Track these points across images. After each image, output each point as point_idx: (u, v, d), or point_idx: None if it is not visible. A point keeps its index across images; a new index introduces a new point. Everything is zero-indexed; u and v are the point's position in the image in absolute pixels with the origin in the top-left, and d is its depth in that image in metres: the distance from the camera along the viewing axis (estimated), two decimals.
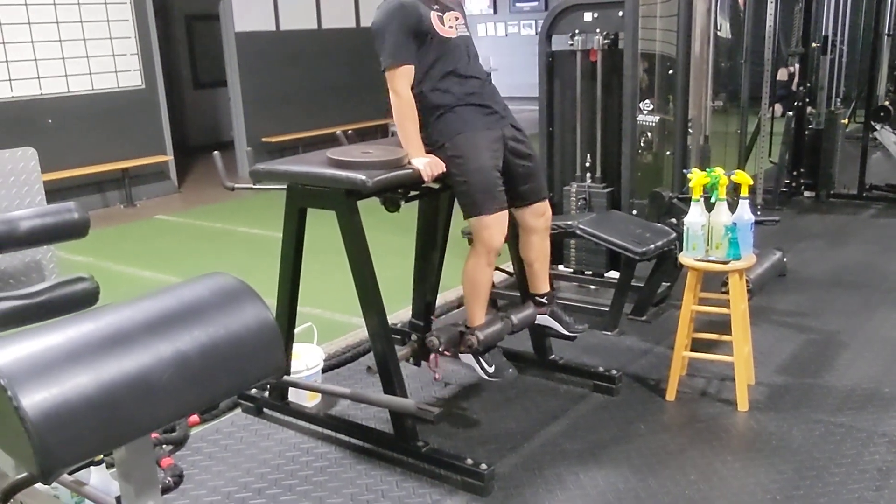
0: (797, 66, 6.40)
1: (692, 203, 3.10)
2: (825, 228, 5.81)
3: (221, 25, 9.20)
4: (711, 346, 3.40)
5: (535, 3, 15.17)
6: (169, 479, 2.75)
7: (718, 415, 3.11)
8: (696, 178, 3.10)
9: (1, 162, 2.40)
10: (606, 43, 4.17)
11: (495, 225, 2.87)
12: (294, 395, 3.25)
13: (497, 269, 4.22)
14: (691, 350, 3.30)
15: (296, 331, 3.22)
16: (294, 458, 2.93)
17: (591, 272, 4.39)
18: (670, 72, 4.35)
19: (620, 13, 4.08)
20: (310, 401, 3.29)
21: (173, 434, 3.03)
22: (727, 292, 3.14)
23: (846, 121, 6.84)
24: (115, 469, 1.73)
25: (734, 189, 3.15)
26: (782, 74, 6.88)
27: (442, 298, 3.99)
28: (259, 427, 3.18)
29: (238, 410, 3.30)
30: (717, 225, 3.06)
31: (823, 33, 6.43)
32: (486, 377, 3.01)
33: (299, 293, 3.12)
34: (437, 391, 3.39)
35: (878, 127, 6.81)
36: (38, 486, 2.04)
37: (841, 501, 2.52)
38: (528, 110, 5.63)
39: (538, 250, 3.15)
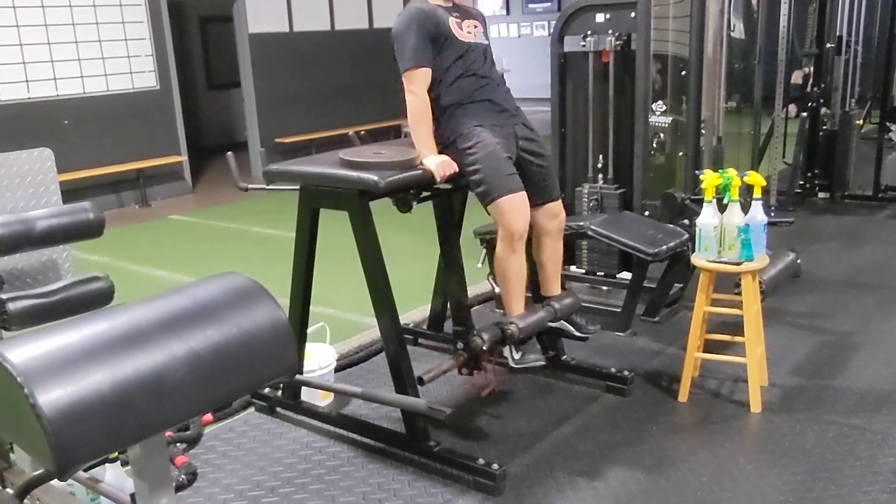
0: (811, 67, 6.36)
1: (705, 204, 3.10)
2: (839, 230, 5.77)
3: (235, 27, 9.25)
4: (724, 347, 3.39)
5: (548, 4, 15.15)
6: (183, 476, 2.76)
7: (731, 416, 3.10)
8: (709, 179, 3.09)
9: (18, 162, 2.42)
10: (619, 44, 4.17)
11: (513, 208, 2.85)
12: (307, 395, 3.26)
13: None
14: (704, 351, 3.29)
15: (308, 330, 3.24)
16: (307, 456, 2.95)
17: (603, 273, 4.38)
18: (683, 73, 4.33)
19: (633, 14, 4.07)
20: (322, 400, 3.31)
21: (187, 432, 3.05)
22: (740, 293, 3.13)
23: (861, 121, 6.79)
24: (129, 466, 1.74)
25: (747, 190, 3.14)
26: (797, 77, 6.85)
27: None
28: (272, 426, 3.19)
29: (251, 409, 3.32)
30: (729, 226, 3.05)
31: (838, 33, 6.39)
32: (513, 365, 2.99)
33: (312, 293, 3.14)
34: (448, 391, 3.39)
35: (893, 127, 6.76)
36: (55, 482, 2.06)
37: None
38: (541, 111, 5.63)
39: (551, 252, 3.15)
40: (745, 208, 3.08)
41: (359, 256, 2.87)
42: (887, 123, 6.60)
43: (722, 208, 3.09)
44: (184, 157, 8.55)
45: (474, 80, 2.95)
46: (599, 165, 4.38)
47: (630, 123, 4.21)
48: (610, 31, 4.18)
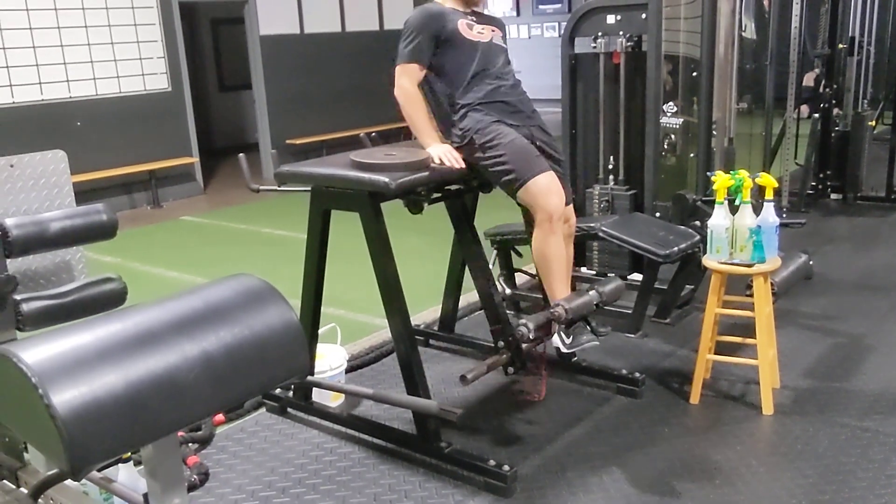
0: (822, 68, 6.33)
1: (716, 205, 3.09)
2: (852, 231, 5.74)
3: (246, 29, 9.29)
4: (736, 349, 3.38)
5: (558, 6, 15.14)
6: (195, 477, 2.78)
7: (743, 418, 3.09)
8: (720, 180, 3.09)
9: (32, 164, 2.44)
10: (629, 45, 4.16)
11: (547, 187, 2.80)
12: (318, 395, 3.27)
13: (519, 270, 4.24)
14: (715, 353, 3.28)
15: (320, 331, 3.24)
16: (318, 457, 2.96)
17: (614, 274, 4.36)
18: (694, 74, 4.32)
19: (644, 15, 4.06)
20: (333, 401, 3.32)
21: (199, 433, 3.06)
22: (752, 295, 3.12)
23: (873, 122, 6.74)
24: (142, 466, 1.75)
25: (759, 191, 3.13)
26: (808, 80, 6.82)
27: (465, 300, 4.00)
28: (283, 426, 3.20)
29: (263, 410, 3.33)
30: (741, 227, 3.04)
31: (850, 34, 6.35)
32: (565, 350, 2.91)
33: (323, 294, 3.15)
34: (460, 392, 3.39)
35: None
36: (69, 482, 2.07)
37: None
38: (551, 112, 5.62)
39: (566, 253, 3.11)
40: (757, 210, 3.07)
41: (370, 257, 2.88)
42: None
43: (733, 210, 3.08)
44: (195, 159, 8.59)
45: (489, 81, 2.96)
46: (610, 167, 4.37)
47: (641, 125, 4.20)
48: (620, 33, 4.18)
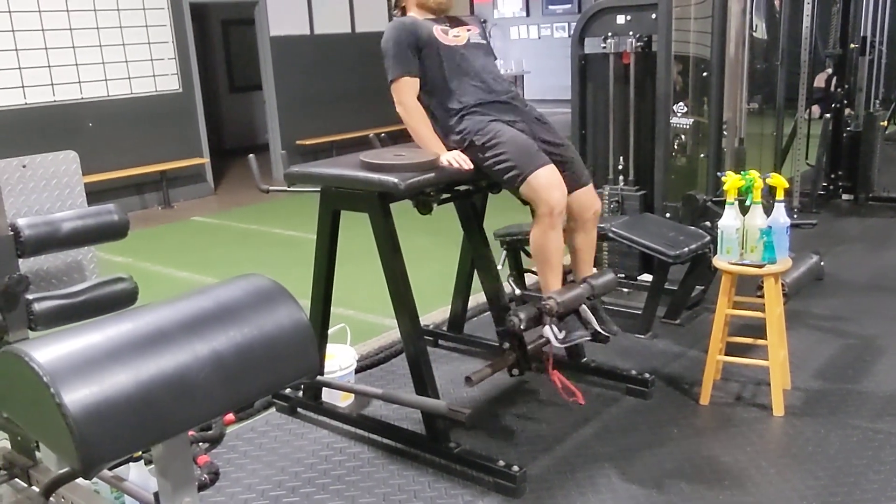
0: (832, 69, 6.30)
1: (727, 206, 3.08)
2: (864, 232, 5.71)
3: (257, 30, 9.31)
4: (746, 350, 3.36)
5: (568, 6, 15.11)
6: (205, 476, 2.79)
7: (753, 420, 3.08)
8: (731, 180, 3.08)
9: (44, 165, 2.46)
10: (639, 45, 4.15)
11: (547, 180, 2.78)
12: (327, 395, 3.28)
13: (528, 270, 4.23)
14: (726, 354, 3.27)
15: (329, 332, 3.25)
16: (327, 457, 2.96)
17: (624, 275, 4.36)
18: (704, 74, 4.31)
19: (654, 15, 4.06)
20: (343, 401, 3.32)
21: (210, 432, 3.07)
22: (762, 296, 3.11)
23: (885, 122, 6.71)
24: (153, 465, 1.76)
25: (770, 192, 3.12)
26: (819, 81, 6.79)
27: (474, 301, 4.00)
28: (293, 426, 3.21)
29: (272, 410, 3.34)
30: (751, 228, 3.03)
31: (862, 34, 6.32)
32: (557, 344, 2.91)
33: (333, 294, 3.15)
34: (469, 392, 3.39)
35: None
36: (80, 480, 2.08)
37: None
38: (561, 113, 5.62)
39: (585, 242, 3.09)
40: (768, 210, 3.06)
41: (379, 258, 2.88)
42: None
43: (744, 210, 3.07)
44: (206, 159, 8.63)
45: (475, 84, 2.97)
46: (620, 167, 4.36)
47: (651, 125, 4.20)
48: (630, 33, 4.17)
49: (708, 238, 3.74)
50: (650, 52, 4.15)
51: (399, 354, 3.74)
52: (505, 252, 3.85)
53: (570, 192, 2.98)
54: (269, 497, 2.72)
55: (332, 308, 3.17)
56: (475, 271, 3.51)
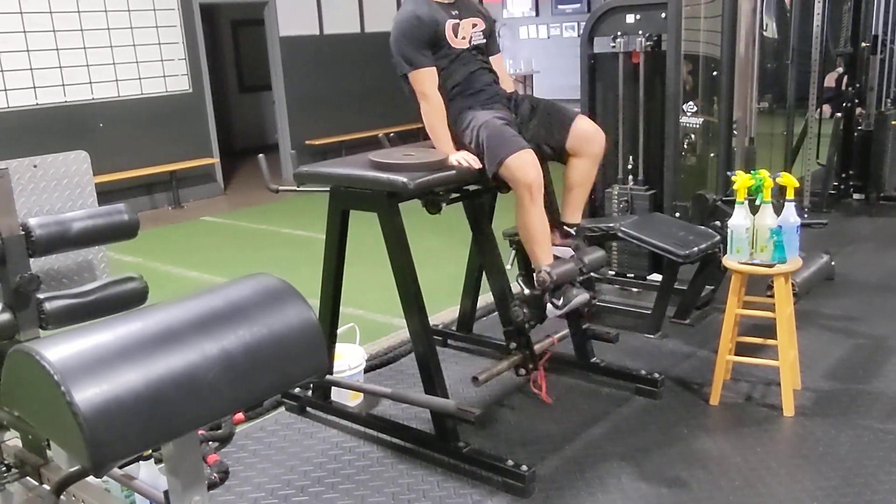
0: (844, 67, 6.26)
1: (736, 205, 3.07)
2: (875, 231, 5.68)
3: (266, 30, 9.34)
4: (756, 350, 3.35)
5: (577, 6, 15.06)
6: (215, 475, 2.79)
7: (763, 420, 3.07)
8: (741, 180, 3.07)
9: (55, 165, 2.47)
10: (649, 45, 4.14)
11: (522, 161, 2.83)
12: (337, 395, 3.29)
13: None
14: (736, 354, 3.26)
15: (338, 331, 3.26)
16: (336, 456, 2.97)
17: (633, 275, 4.36)
18: (714, 73, 4.29)
19: (663, 15, 4.04)
20: (352, 400, 3.33)
21: (219, 431, 3.08)
22: (772, 296, 3.09)
23: None
24: (163, 464, 1.77)
25: (780, 192, 3.11)
26: (830, 80, 6.74)
27: (483, 300, 4.00)
28: (302, 425, 3.22)
29: (282, 409, 3.34)
30: (761, 228, 3.02)
31: (873, 32, 6.28)
32: (559, 312, 2.95)
33: (342, 294, 3.16)
34: (478, 392, 3.39)
35: None
36: (90, 479, 2.09)
37: None
38: None
39: (583, 175, 3.09)
40: (778, 210, 3.05)
41: (388, 257, 2.88)
42: None
43: (754, 210, 3.05)
44: (216, 159, 8.65)
45: (462, 84, 3.02)
46: (630, 167, 4.35)
47: (660, 124, 4.18)
48: (640, 32, 4.15)
49: (718, 238, 3.73)
50: (660, 51, 4.14)
51: (408, 354, 3.74)
52: (514, 251, 3.85)
53: (564, 133, 3.02)
54: (279, 496, 2.73)
55: (341, 307, 3.17)
56: (484, 271, 3.51)
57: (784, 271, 3.03)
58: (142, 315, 1.49)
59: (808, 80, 5.89)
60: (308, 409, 3.31)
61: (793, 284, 3.47)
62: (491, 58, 3.18)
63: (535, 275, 2.92)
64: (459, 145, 2.99)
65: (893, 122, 6.34)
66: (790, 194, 3.06)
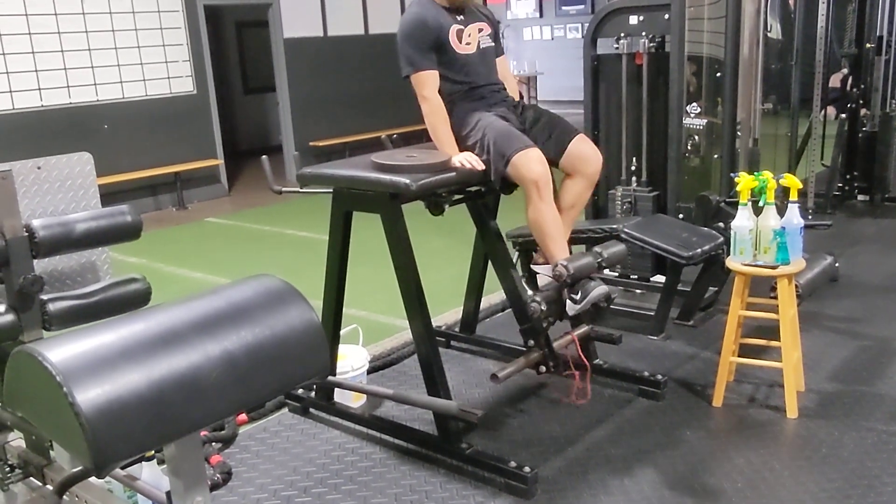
0: (847, 70, 6.25)
1: (740, 207, 3.06)
2: (879, 233, 5.67)
3: (271, 32, 9.35)
4: (760, 351, 3.35)
5: (581, 7, 15.08)
6: (218, 475, 2.80)
7: (767, 422, 3.06)
8: (744, 181, 3.06)
9: (58, 166, 2.47)
10: (652, 46, 4.14)
11: (527, 159, 2.84)
12: (340, 396, 3.29)
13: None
14: (739, 355, 3.25)
15: (342, 332, 3.26)
16: (339, 457, 2.97)
17: (636, 276, 4.36)
18: (718, 74, 4.29)
19: (667, 16, 4.04)
20: (355, 401, 3.33)
21: (222, 432, 3.09)
22: (776, 297, 3.09)
23: None
24: (165, 465, 1.77)
25: (783, 193, 3.10)
26: (835, 81, 6.73)
27: (486, 302, 4.00)
28: (305, 426, 3.22)
29: (285, 410, 3.35)
30: (765, 229, 3.01)
31: (878, 33, 6.27)
32: (577, 307, 2.91)
33: (345, 295, 3.16)
34: (481, 393, 3.39)
35: None
36: (93, 479, 2.10)
37: None
38: (574, 114, 5.61)
39: (575, 196, 3.09)
40: (782, 211, 3.04)
41: (391, 259, 2.89)
42: None
43: (757, 211, 3.05)
44: (220, 161, 8.67)
45: (468, 87, 3.04)
46: (633, 168, 4.35)
47: (664, 126, 4.18)
48: (643, 33, 4.15)
49: (721, 239, 3.73)
50: (663, 52, 4.14)
51: (411, 355, 3.74)
52: (518, 253, 3.85)
53: (562, 150, 3.03)
54: (282, 497, 2.73)
55: (344, 309, 3.18)
56: (487, 272, 3.51)
57: (787, 273, 3.03)
58: (144, 316, 1.49)
59: (812, 81, 5.88)
60: (311, 410, 3.31)
61: (796, 286, 3.46)
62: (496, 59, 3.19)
63: (552, 269, 2.90)
64: (464, 148, 3.00)
65: None
66: (793, 195, 3.06)
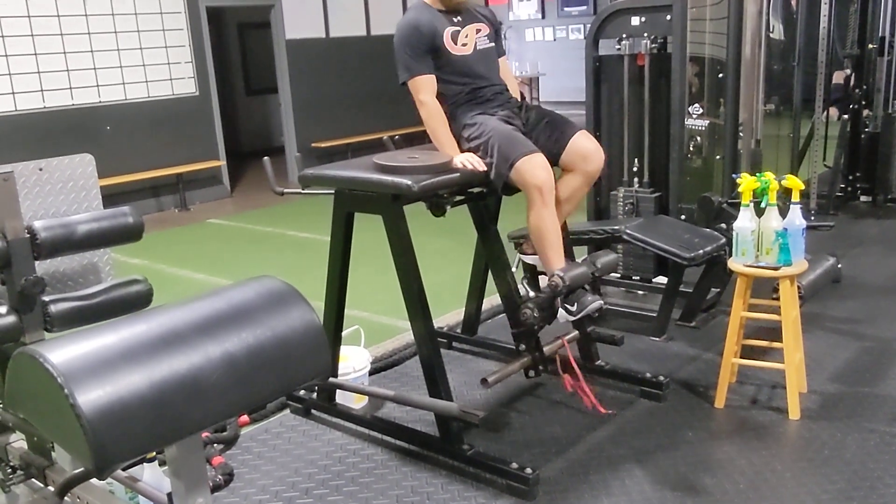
0: (849, 70, 6.25)
1: (742, 208, 3.06)
2: (882, 234, 5.66)
3: (273, 33, 9.36)
4: (762, 352, 3.34)
5: (584, 8, 15.05)
6: (220, 477, 2.78)
7: (769, 423, 3.06)
8: (746, 182, 3.06)
9: (60, 168, 2.48)
10: (654, 47, 4.13)
11: (532, 165, 2.83)
12: (341, 397, 3.29)
13: (543, 273, 4.22)
14: (741, 357, 3.25)
15: (343, 333, 3.26)
16: (341, 458, 2.97)
17: (638, 277, 4.35)
18: (720, 75, 4.29)
19: (668, 17, 4.04)
20: (357, 403, 3.33)
21: (224, 433, 3.09)
22: (778, 298, 3.08)
23: None
24: (166, 466, 1.77)
25: (786, 194, 3.10)
26: (838, 77, 6.72)
27: (488, 303, 4.00)
28: (307, 428, 3.22)
29: (287, 411, 3.35)
30: (767, 230, 3.01)
31: (880, 34, 6.26)
32: (573, 318, 2.94)
33: (347, 296, 3.16)
34: (482, 395, 3.39)
35: None
36: (94, 480, 2.10)
37: None
38: (576, 115, 5.61)
39: (571, 190, 3.07)
40: (784, 212, 3.04)
41: (392, 260, 2.89)
42: None
43: (759, 212, 3.05)
44: (222, 162, 8.67)
45: (469, 88, 3.03)
46: (635, 169, 4.35)
47: (666, 127, 4.18)
48: (645, 34, 4.15)
49: (723, 240, 3.72)
50: (665, 53, 4.13)
51: (413, 356, 3.74)
52: (519, 254, 3.85)
53: (565, 144, 3.01)
54: (283, 498, 2.73)
55: (346, 310, 3.18)
56: (489, 273, 3.51)
57: (790, 274, 3.02)
58: (145, 317, 1.49)
59: (814, 82, 5.88)
60: (313, 411, 3.31)
61: (798, 287, 3.46)
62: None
63: (548, 278, 2.91)
64: (467, 150, 3.00)
65: None
66: (795, 196, 3.05)
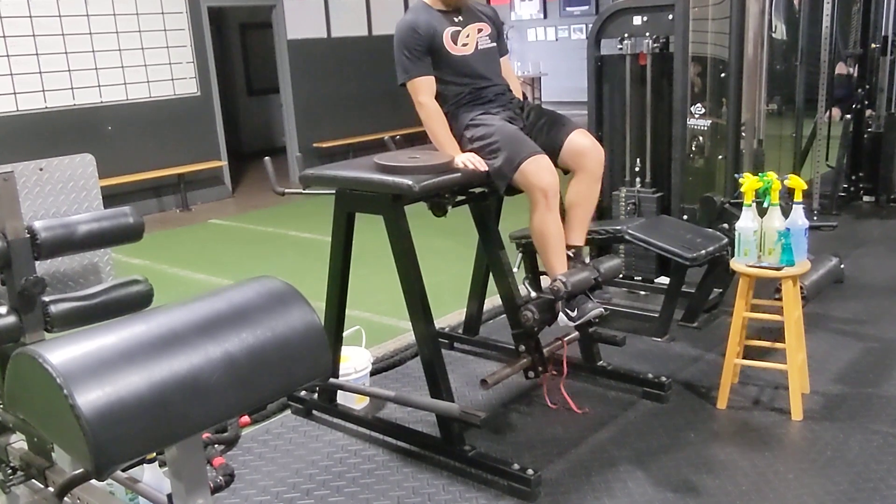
0: (855, 68, 6.23)
1: (744, 208, 3.05)
2: (885, 234, 5.64)
3: (274, 33, 9.36)
4: (764, 353, 3.33)
5: (585, 7, 15.06)
6: (220, 477, 2.78)
7: (771, 424, 3.05)
8: (749, 182, 3.05)
9: (60, 168, 2.47)
10: (656, 46, 4.12)
11: (538, 166, 2.82)
12: (342, 398, 3.28)
13: (544, 273, 4.22)
14: (743, 357, 3.24)
15: (344, 334, 3.25)
16: (342, 459, 2.96)
17: (640, 278, 4.34)
18: (722, 75, 4.28)
19: (670, 16, 4.03)
20: (358, 403, 3.32)
21: (225, 434, 3.08)
22: (780, 299, 3.07)
23: None
24: (166, 467, 1.77)
25: (788, 194, 3.09)
26: (841, 69, 6.69)
27: (489, 303, 3.99)
28: (308, 428, 3.21)
29: (288, 412, 3.34)
30: (769, 230, 3.00)
31: (883, 33, 6.25)
32: (573, 324, 2.93)
33: (348, 296, 3.15)
34: (484, 395, 3.38)
35: None
36: (94, 481, 2.09)
37: None
38: (577, 114, 5.61)
39: (579, 193, 3.03)
40: (786, 212, 3.03)
41: (394, 260, 2.88)
42: None
43: (762, 212, 3.04)
44: (224, 162, 8.67)
45: (471, 88, 3.03)
46: (637, 169, 4.33)
47: (668, 126, 4.17)
48: (647, 34, 4.14)
49: (725, 240, 3.71)
50: (667, 53, 4.12)
51: (414, 357, 3.74)
52: (520, 254, 3.84)
53: (561, 144, 3.00)
54: (284, 499, 2.72)
55: (347, 310, 3.17)
56: (490, 274, 3.50)
57: (792, 274, 3.01)
58: (145, 318, 1.49)
59: (817, 82, 5.87)
60: (314, 412, 3.30)
61: (801, 287, 3.45)
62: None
63: (550, 283, 2.89)
64: (471, 150, 2.98)
65: None
66: (798, 196, 3.04)
